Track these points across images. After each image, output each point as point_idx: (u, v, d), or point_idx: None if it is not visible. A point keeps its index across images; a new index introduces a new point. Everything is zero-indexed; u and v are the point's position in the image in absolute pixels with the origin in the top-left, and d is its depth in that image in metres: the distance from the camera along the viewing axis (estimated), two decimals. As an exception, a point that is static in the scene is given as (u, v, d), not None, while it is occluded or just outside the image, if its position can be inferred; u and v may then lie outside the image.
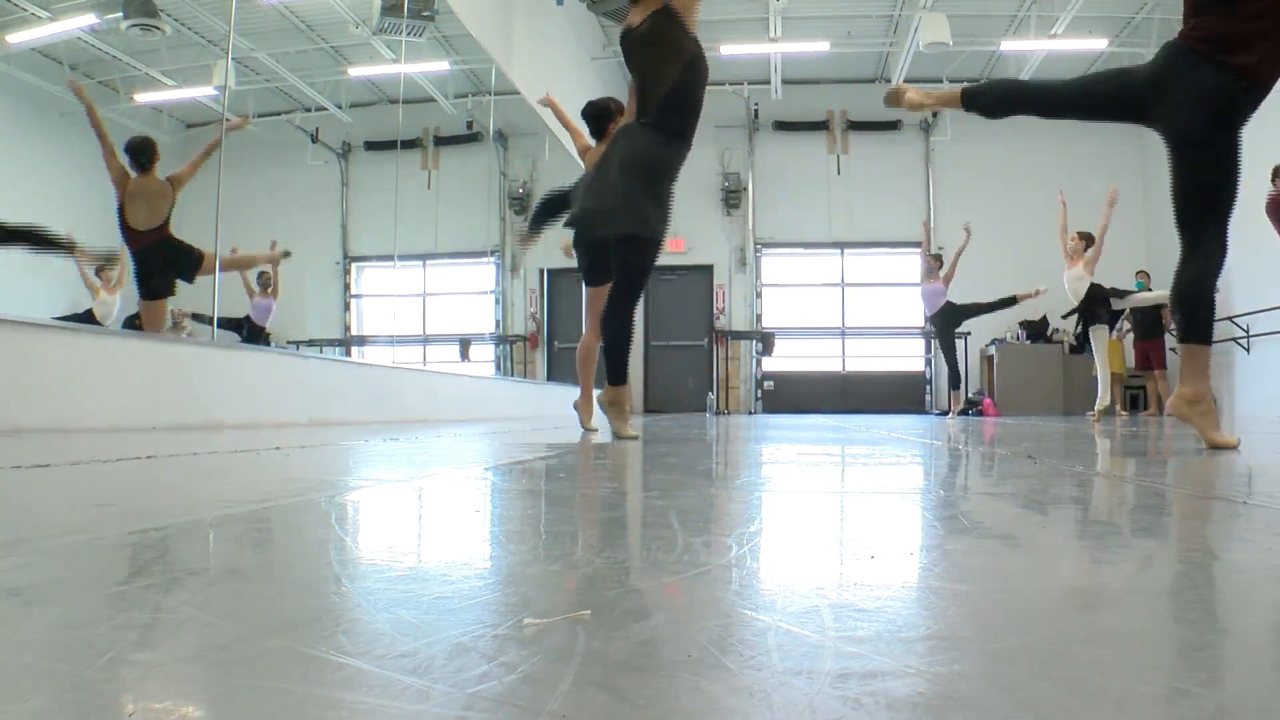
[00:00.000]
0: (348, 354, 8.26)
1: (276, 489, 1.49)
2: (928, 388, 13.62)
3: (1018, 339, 12.89)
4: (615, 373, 3.41)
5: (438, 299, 9.64)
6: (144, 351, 3.85)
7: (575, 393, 4.36)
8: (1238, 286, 10.44)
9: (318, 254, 8.18)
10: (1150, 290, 10.76)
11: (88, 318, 4.80)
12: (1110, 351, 11.08)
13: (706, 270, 13.57)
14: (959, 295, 14.21)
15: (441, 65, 8.17)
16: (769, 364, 13.86)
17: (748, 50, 12.16)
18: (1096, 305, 8.06)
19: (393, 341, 8.11)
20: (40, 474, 1.64)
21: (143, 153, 4.72)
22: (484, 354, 9.92)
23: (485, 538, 1.01)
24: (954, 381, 9.62)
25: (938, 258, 9.81)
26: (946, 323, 9.72)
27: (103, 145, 4.64)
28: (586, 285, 4.17)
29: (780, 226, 13.90)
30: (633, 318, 3.47)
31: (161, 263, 4.57)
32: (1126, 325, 11.28)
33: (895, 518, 1.20)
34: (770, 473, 1.99)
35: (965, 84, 3.11)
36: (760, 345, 13.54)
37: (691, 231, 13.09)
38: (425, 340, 9.09)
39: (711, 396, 13.03)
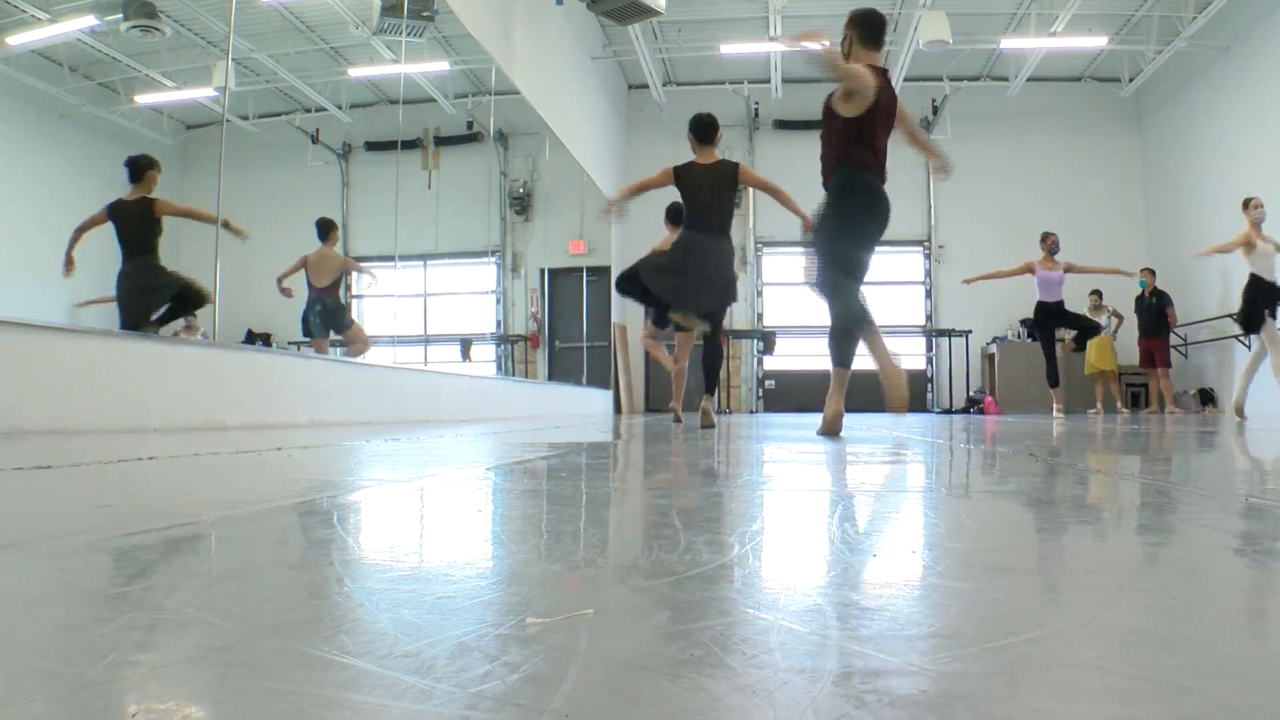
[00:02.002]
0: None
1: (278, 489, 1.49)
2: (929, 386, 13.62)
3: (1019, 337, 12.89)
4: (712, 386, 5.37)
5: (438, 299, 9.64)
6: (145, 353, 3.85)
7: (577, 392, 4.60)
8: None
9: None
10: (1154, 288, 10.75)
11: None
12: (1102, 350, 11.08)
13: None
14: (959, 285, 14.21)
15: (441, 65, 8.16)
16: (770, 363, 13.87)
17: (748, 49, 12.16)
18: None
19: (394, 342, 8.10)
20: (42, 475, 1.64)
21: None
22: (485, 354, 9.92)
23: (487, 537, 1.01)
24: (1053, 379, 9.06)
25: (1047, 237, 9.11)
26: (1052, 317, 9.10)
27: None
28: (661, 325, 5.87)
29: (781, 225, 13.91)
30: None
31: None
32: (1115, 323, 11.30)
33: (897, 516, 1.20)
34: (772, 471, 1.99)
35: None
36: (761, 344, 13.54)
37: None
38: (426, 340, 9.08)
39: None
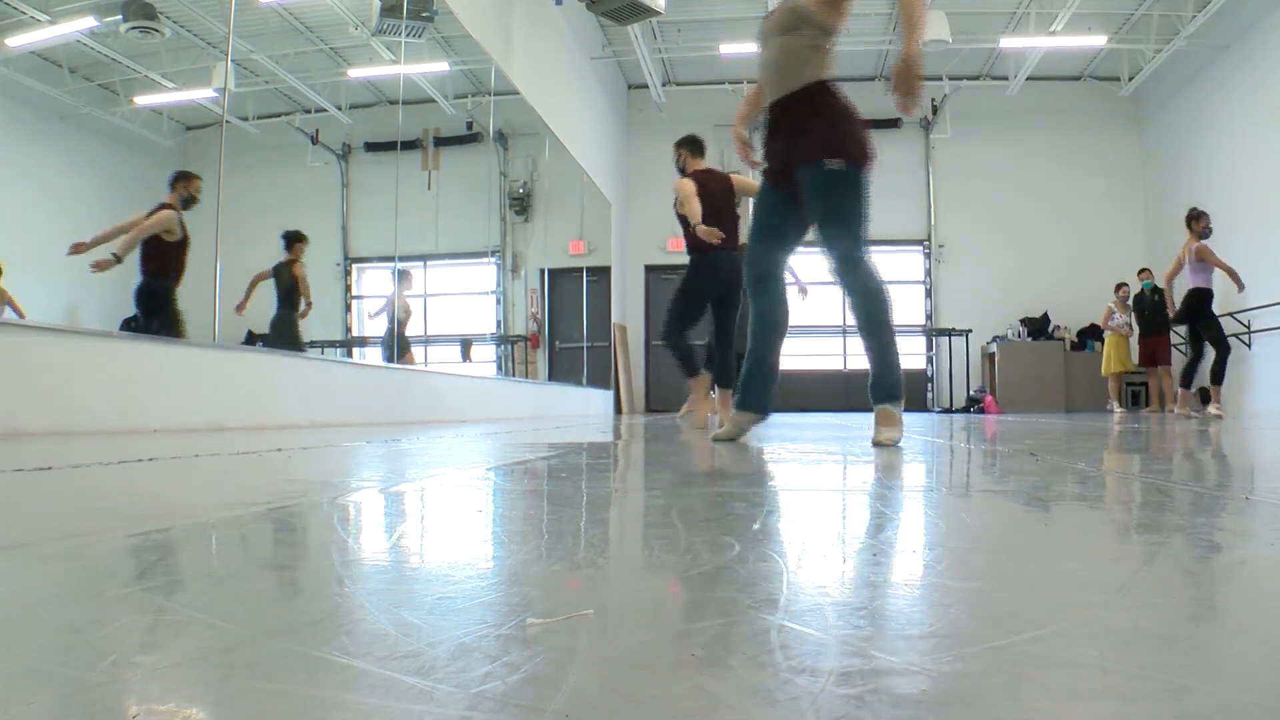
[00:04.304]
0: (349, 355, 8.27)
1: (279, 490, 1.49)
2: (929, 385, 13.62)
3: (1019, 336, 12.90)
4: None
5: (438, 300, 9.64)
6: (145, 354, 3.85)
7: (577, 392, 4.73)
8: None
9: (318, 256, 8.20)
10: (1157, 286, 10.72)
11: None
12: (1120, 350, 11.04)
13: (707, 269, 13.58)
14: (960, 284, 14.14)
15: (441, 66, 8.16)
16: (770, 363, 13.85)
17: (747, 50, 12.15)
18: None
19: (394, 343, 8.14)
20: (42, 477, 1.64)
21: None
22: (485, 354, 9.91)
23: (488, 538, 1.01)
24: (1186, 377, 8.16)
25: (1200, 217, 8.45)
26: (1205, 305, 8.32)
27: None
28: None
29: (780, 225, 13.89)
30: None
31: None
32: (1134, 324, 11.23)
33: (897, 515, 1.20)
34: (772, 471, 1.99)
35: None
36: (761, 344, 13.53)
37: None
38: (426, 341, 9.09)
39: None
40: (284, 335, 6.28)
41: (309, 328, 6.94)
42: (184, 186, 5.16)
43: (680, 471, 2.02)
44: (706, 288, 5.41)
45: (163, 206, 5.09)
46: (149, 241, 5.00)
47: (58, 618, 0.60)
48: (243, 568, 0.82)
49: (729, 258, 5.25)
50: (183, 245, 5.04)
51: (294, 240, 6.59)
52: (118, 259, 4.82)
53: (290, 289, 6.44)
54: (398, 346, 8.15)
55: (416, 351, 9.01)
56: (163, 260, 5.00)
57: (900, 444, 2.76)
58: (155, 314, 4.86)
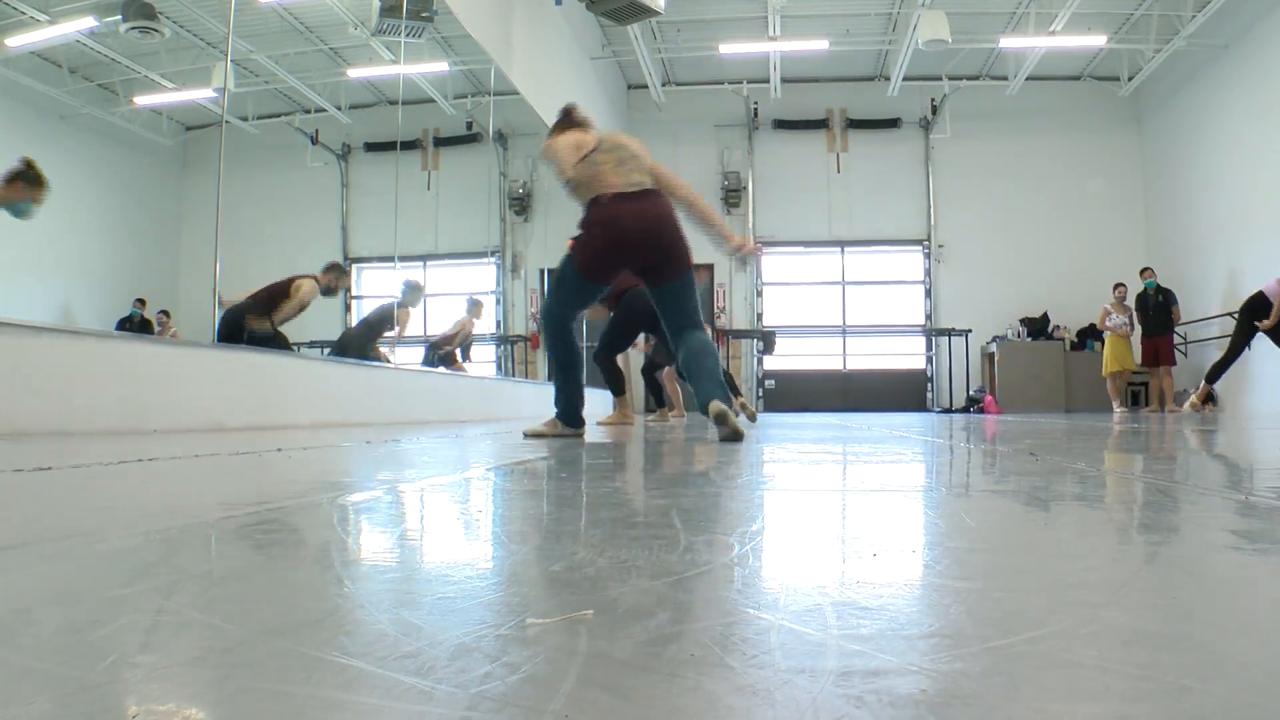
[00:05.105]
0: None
1: (278, 491, 1.49)
2: (929, 385, 13.62)
3: (1019, 336, 12.90)
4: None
5: (438, 300, 9.65)
6: (143, 354, 3.85)
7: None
8: (1241, 283, 10.43)
9: (318, 255, 8.20)
10: (1160, 286, 10.68)
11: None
12: (1121, 349, 11.02)
13: (706, 269, 13.58)
14: (959, 284, 14.11)
15: (441, 66, 8.16)
16: (770, 363, 13.86)
17: (747, 49, 12.16)
18: None
19: (394, 343, 8.14)
20: (42, 477, 1.64)
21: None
22: (485, 354, 9.93)
23: (487, 538, 1.01)
24: (1215, 375, 8.35)
25: None
26: (1251, 308, 8.51)
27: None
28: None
29: (780, 225, 13.91)
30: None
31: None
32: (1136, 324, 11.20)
33: (897, 515, 1.20)
34: (772, 471, 1.99)
35: None
36: (761, 344, 13.54)
37: (691, 231, 13.07)
38: (426, 341, 9.10)
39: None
40: (363, 352, 7.23)
41: (309, 328, 6.97)
42: (335, 279, 6.15)
43: (678, 470, 2.02)
44: (633, 322, 6.36)
45: (310, 278, 5.91)
46: (277, 294, 5.75)
47: (58, 618, 0.60)
48: (242, 567, 0.82)
49: (641, 294, 6.04)
50: (300, 310, 5.83)
51: (414, 289, 7.67)
52: (273, 325, 5.78)
53: (387, 324, 7.52)
54: (449, 361, 8.77)
55: (414, 352, 9.04)
56: (277, 311, 5.81)
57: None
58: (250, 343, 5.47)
